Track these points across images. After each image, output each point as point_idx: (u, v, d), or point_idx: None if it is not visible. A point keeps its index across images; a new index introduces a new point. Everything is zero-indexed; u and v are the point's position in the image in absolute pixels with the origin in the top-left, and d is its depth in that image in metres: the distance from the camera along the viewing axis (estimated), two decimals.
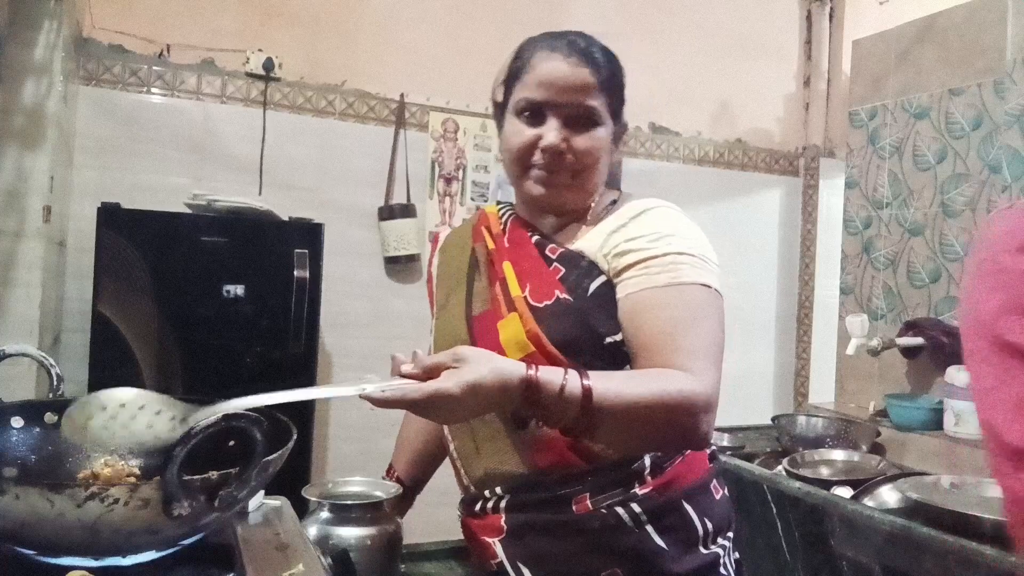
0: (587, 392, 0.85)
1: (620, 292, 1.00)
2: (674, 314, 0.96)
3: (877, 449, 2.15)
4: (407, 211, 2.86)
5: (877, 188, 2.54)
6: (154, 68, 2.62)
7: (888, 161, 2.51)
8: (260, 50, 2.71)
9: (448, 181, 3.01)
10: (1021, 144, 2.11)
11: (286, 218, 2.48)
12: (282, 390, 0.81)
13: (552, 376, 0.85)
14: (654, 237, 1.00)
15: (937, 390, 2.22)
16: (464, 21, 2.98)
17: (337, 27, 2.84)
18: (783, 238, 3.68)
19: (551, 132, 1.03)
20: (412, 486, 1.31)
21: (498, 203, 1.20)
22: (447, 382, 0.81)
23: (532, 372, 0.84)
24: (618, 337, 1.00)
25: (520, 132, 1.05)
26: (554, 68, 1.03)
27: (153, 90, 2.62)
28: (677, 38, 3.38)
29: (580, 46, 1.05)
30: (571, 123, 1.03)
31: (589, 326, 0.99)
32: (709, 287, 0.99)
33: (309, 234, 2.42)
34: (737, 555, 1.09)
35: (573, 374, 0.86)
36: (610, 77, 1.06)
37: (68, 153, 2.42)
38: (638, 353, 0.97)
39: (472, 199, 3.04)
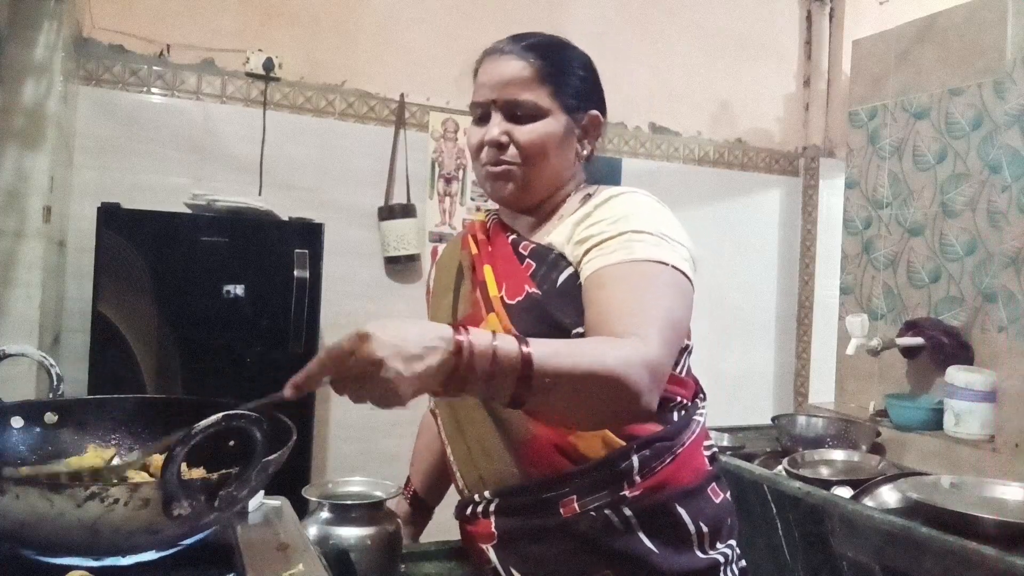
0: (527, 357, 0.78)
1: (581, 277, 1.00)
2: (624, 287, 0.94)
3: (877, 449, 2.15)
4: (407, 211, 2.86)
5: (877, 188, 2.54)
6: (154, 68, 2.62)
7: (888, 161, 2.50)
8: (260, 50, 2.71)
9: (448, 181, 3.01)
10: (1021, 144, 2.11)
11: (286, 218, 2.48)
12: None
13: (484, 336, 0.79)
14: (613, 220, 1.00)
15: (937, 390, 2.22)
16: (464, 21, 2.98)
17: (337, 27, 2.84)
18: (783, 238, 3.68)
19: (493, 127, 1.06)
20: (430, 500, 1.33)
21: (486, 211, 1.21)
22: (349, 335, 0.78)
23: (462, 332, 0.79)
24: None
25: (472, 134, 1.10)
26: (490, 67, 1.08)
27: (153, 90, 2.62)
28: (677, 38, 3.38)
29: (516, 43, 1.07)
30: (513, 117, 1.06)
31: (555, 318, 0.99)
32: (665, 264, 0.96)
33: (309, 234, 2.42)
34: (744, 564, 1.08)
35: (508, 336, 0.81)
36: (554, 68, 1.07)
37: (68, 153, 2.42)
38: (589, 329, 0.95)
39: (472, 199, 3.04)
